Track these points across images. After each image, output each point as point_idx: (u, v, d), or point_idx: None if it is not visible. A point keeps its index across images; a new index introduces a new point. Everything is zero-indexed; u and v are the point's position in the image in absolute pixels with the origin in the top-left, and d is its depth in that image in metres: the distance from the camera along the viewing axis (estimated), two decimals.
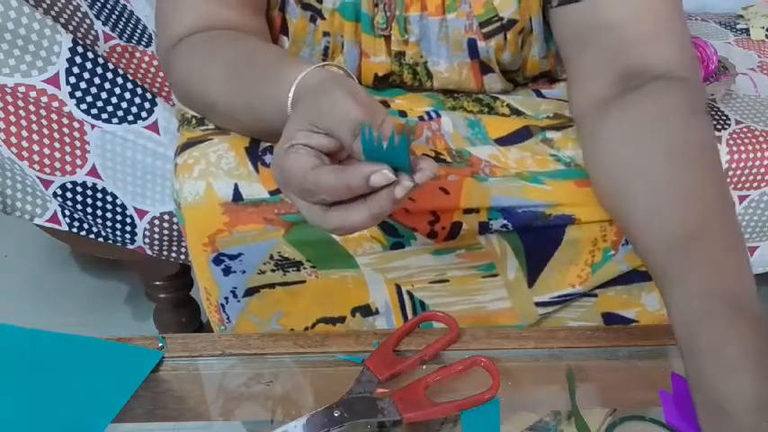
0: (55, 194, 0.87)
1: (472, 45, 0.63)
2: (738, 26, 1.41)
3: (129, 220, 0.91)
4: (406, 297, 0.63)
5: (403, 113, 0.64)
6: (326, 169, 0.41)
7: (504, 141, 0.62)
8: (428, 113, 0.65)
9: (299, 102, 0.47)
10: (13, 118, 0.81)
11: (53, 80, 0.81)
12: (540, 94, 0.70)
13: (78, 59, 0.81)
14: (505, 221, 0.59)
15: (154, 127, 0.86)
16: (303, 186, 0.42)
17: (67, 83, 0.82)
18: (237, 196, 0.56)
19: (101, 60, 0.83)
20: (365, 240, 0.59)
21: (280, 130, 0.46)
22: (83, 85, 0.82)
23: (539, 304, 0.63)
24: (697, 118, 0.53)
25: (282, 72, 0.50)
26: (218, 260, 0.58)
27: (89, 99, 0.83)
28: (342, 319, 0.63)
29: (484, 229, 0.60)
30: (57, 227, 0.92)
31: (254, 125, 0.56)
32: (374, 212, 0.41)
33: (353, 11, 0.61)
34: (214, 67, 0.57)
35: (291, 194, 0.45)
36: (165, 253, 0.95)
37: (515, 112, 0.65)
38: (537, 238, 0.60)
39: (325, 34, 0.64)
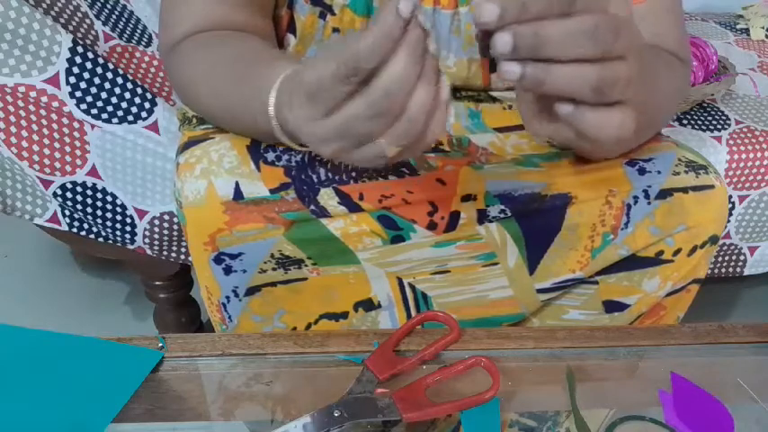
0: (55, 194, 0.87)
1: None
2: (738, 26, 1.41)
3: (129, 220, 0.91)
4: (408, 290, 0.63)
5: None
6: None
7: (502, 130, 0.63)
8: None
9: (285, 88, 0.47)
10: (13, 118, 0.81)
11: (53, 80, 0.81)
12: None
13: (78, 59, 0.81)
14: (503, 206, 0.59)
15: (154, 127, 0.86)
16: (338, 58, 0.38)
17: (67, 83, 0.82)
18: (238, 195, 0.56)
19: (101, 60, 0.83)
20: (365, 235, 0.59)
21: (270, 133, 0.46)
22: (83, 85, 0.82)
23: (540, 291, 0.63)
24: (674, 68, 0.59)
25: (266, 74, 0.50)
26: (218, 259, 0.58)
27: (89, 99, 0.83)
28: (344, 315, 0.63)
29: (482, 217, 0.60)
30: (57, 227, 0.92)
31: (247, 129, 0.57)
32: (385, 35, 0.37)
33: (365, 5, 0.62)
34: (207, 76, 0.57)
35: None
36: (165, 253, 0.95)
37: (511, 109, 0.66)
38: (536, 225, 0.60)
39: (335, 30, 0.64)
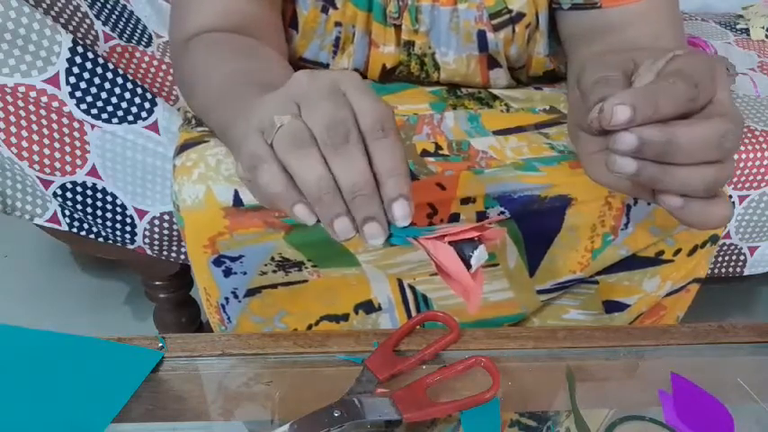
0: (55, 194, 0.87)
1: (482, 37, 0.64)
2: (738, 26, 1.41)
3: (129, 220, 0.91)
4: (408, 291, 0.63)
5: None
6: None
7: (501, 132, 0.63)
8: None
9: None
10: (13, 118, 0.81)
11: (53, 80, 0.81)
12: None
13: (78, 59, 0.81)
14: (502, 208, 0.59)
15: (154, 127, 0.86)
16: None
17: (67, 83, 0.82)
18: (238, 201, 0.56)
19: (101, 60, 0.83)
20: None
21: None
22: (83, 85, 0.82)
23: (540, 292, 0.63)
24: None
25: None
26: (218, 262, 0.58)
27: (89, 99, 0.83)
28: (345, 317, 0.63)
29: (482, 219, 0.60)
30: (57, 227, 0.92)
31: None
32: None
33: (367, 0, 0.62)
34: (211, 84, 0.56)
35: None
36: (165, 253, 0.95)
37: (510, 111, 0.66)
38: (535, 226, 0.60)
39: (337, 24, 0.64)
